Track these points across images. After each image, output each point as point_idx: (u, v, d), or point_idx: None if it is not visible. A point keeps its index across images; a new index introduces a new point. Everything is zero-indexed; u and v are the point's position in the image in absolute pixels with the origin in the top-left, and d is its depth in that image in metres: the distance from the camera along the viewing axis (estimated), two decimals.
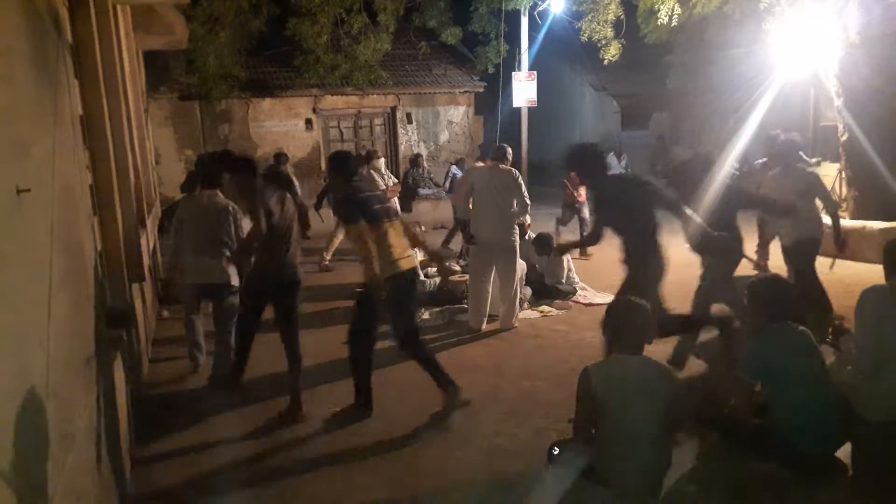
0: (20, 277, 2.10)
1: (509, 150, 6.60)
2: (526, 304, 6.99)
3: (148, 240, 6.65)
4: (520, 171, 10.29)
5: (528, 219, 7.10)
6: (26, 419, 1.96)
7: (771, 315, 3.24)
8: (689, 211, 4.56)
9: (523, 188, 6.36)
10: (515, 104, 13.34)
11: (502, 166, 6.40)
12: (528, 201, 6.41)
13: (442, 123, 15.84)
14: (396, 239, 4.54)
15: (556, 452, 3.28)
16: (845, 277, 6.86)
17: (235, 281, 5.28)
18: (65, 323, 2.59)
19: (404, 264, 4.54)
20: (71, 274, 2.85)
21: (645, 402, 2.96)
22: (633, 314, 3.12)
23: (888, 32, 8.23)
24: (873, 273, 4.68)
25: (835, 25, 8.43)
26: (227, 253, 5.26)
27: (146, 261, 5.94)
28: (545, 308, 6.97)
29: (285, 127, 14.51)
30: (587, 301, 7.19)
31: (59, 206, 2.71)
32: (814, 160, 8.55)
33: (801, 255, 5.80)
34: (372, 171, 8.38)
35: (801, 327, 3.27)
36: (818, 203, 5.89)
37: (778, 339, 3.20)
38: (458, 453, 4.08)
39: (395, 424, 4.48)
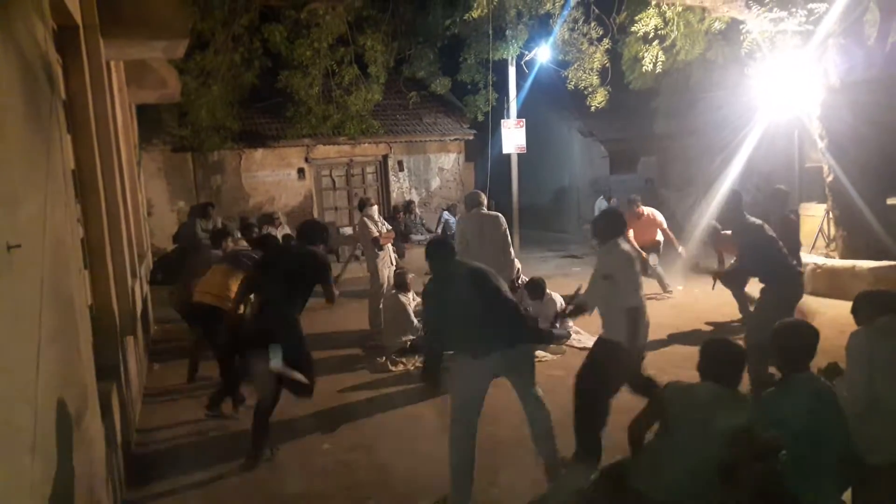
0: (9, 334, 2.08)
1: (482, 194, 6.68)
2: None
3: (139, 292, 6.62)
4: (510, 216, 10.39)
5: (516, 263, 7.11)
6: (13, 477, 1.93)
7: (795, 362, 3.19)
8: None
9: (508, 235, 6.42)
10: (505, 151, 13.50)
11: (486, 212, 6.46)
12: (511, 247, 6.49)
13: (433, 170, 15.99)
14: None
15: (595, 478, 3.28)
16: (837, 317, 6.86)
17: None
18: (54, 378, 2.56)
19: None
20: (61, 328, 2.82)
21: (703, 431, 2.96)
22: (726, 355, 3.16)
23: (869, 78, 8.41)
24: None
25: (816, 70, 8.62)
26: None
27: (137, 313, 5.92)
28: (540, 353, 6.92)
29: (278, 176, 14.60)
30: (582, 345, 7.15)
31: (50, 261, 2.71)
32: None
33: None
34: (365, 219, 8.40)
35: (823, 379, 3.23)
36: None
37: (799, 391, 3.12)
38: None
39: (391, 475, 4.41)
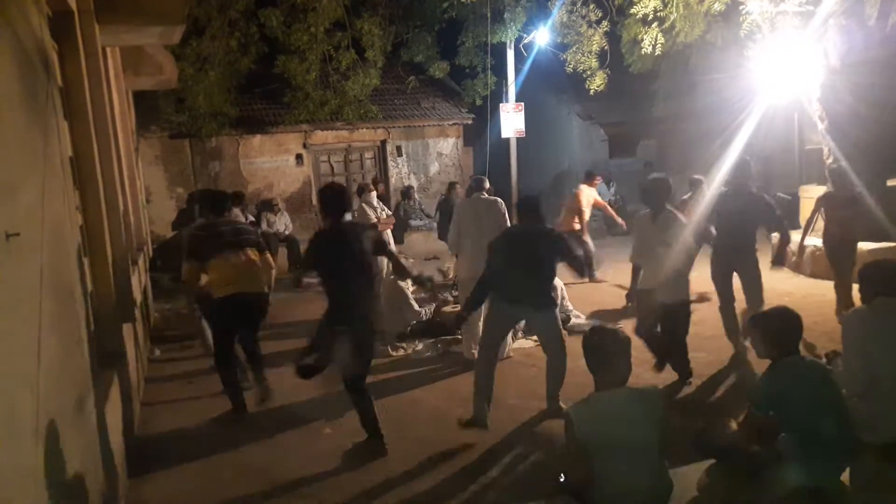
0: (10, 322, 2.08)
1: (486, 180, 6.67)
2: (520, 334, 6.96)
3: (139, 279, 6.63)
4: (509, 201, 10.37)
5: None
6: (16, 465, 1.93)
7: (782, 348, 3.21)
8: None
9: (507, 219, 6.41)
10: (504, 135, 13.45)
11: (485, 197, 6.45)
12: None
13: (432, 155, 15.94)
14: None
15: (563, 479, 3.24)
16: (836, 299, 6.88)
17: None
18: (55, 366, 2.56)
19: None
20: (61, 316, 2.83)
21: (634, 435, 2.93)
22: (610, 345, 3.05)
23: (869, 59, 8.36)
24: None
25: (816, 51, 8.57)
26: None
27: (137, 300, 5.92)
28: None
29: (276, 163, 14.56)
30: (580, 329, 7.17)
31: (50, 249, 2.71)
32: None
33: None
34: (364, 205, 8.39)
35: (812, 358, 3.24)
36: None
37: (792, 372, 3.14)
38: (456, 487, 4.03)
39: (392, 459, 4.43)
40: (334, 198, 4.51)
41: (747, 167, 6.05)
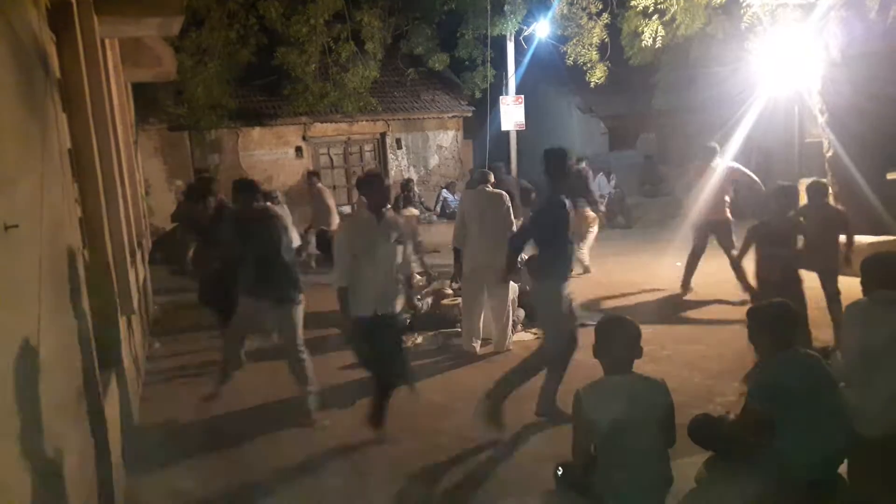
0: (8, 314, 2.08)
1: (490, 173, 6.64)
2: (520, 327, 6.96)
3: (138, 271, 6.62)
4: (509, 194, 10.34)
5: None
6: (14, 459, 1.93)
7: (777, 342, 3.20)
8: None
9: (511, 211, 6.39)
10: (504, 128, 13.43)
11: (489, 190, 6.44)
12: (515, 224, 6.45)
13: (431, 148, 15.93)
14: None
15: (560, 473, 3.25)
16: None
17: None
18: (54, 359, 2.56)
19: None
20: (60, 309, 2.82)
21: (639, 420, 2.95)
22: (619, 332, 3.11)
23: (869, 51, 8.34)
24: None
25: (817, 44, 8.55)
26: None
27: (136, 293, 5.91)
28: (539, 330, 6.95)
29: (275, 155, 14.55)
30: (580, 322, 7.16)
31: (48, 241, 2.70)
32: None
33: None
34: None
35: (811, 352, 3.24)
36: None
37: (790, 366, 3.14)
38: (455, 480, 4.04)
39: (391, 450, 4.44)
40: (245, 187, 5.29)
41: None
